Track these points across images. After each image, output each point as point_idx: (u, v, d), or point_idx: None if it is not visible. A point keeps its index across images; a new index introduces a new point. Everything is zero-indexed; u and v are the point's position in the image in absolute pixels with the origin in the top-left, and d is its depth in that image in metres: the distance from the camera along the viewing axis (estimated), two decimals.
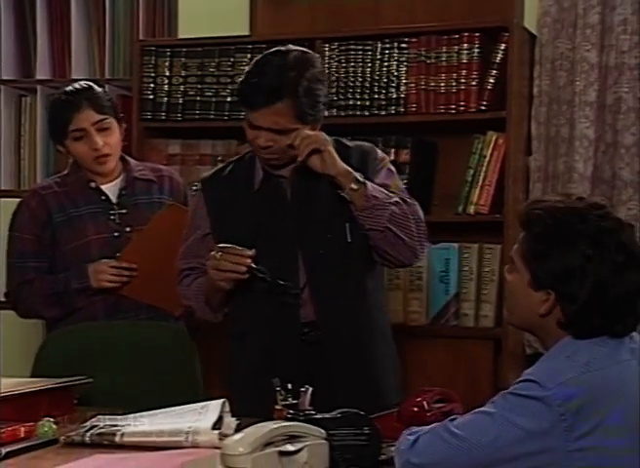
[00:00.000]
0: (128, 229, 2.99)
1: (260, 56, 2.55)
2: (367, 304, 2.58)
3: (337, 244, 2.52)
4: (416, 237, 2.52)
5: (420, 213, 2.57)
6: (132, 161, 3.11)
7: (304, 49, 2.58)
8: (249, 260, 2.43)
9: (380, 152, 2.65)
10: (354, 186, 2.46)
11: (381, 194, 2.49)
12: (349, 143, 2.62)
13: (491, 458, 1.74)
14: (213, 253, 2.45)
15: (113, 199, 3.02)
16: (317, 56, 2.60)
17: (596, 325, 1.81)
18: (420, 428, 1.86)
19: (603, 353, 1.80)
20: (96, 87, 3.03)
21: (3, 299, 3.37)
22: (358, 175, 2.48)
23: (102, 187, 3.02)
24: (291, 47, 2.54)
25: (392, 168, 2.65)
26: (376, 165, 2.59)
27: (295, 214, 2.55)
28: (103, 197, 3.01)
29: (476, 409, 1.82)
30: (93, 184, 3.02)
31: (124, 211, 3.00)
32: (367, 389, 2.52)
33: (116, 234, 2.98)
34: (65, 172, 3.12)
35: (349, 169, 2.48)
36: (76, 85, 3.05)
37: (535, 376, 1.76)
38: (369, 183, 2.48)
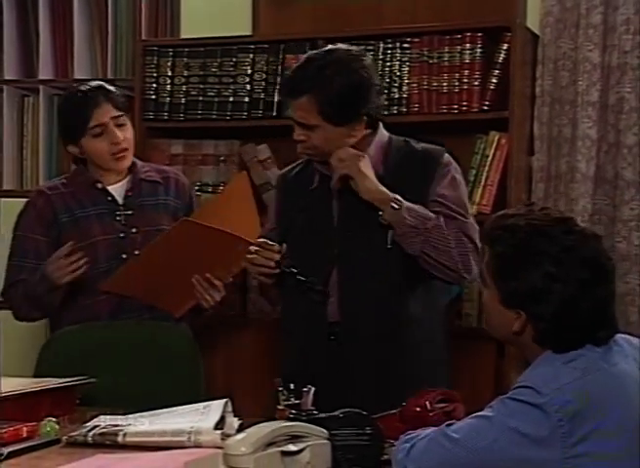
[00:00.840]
0: (134, 230, 2.99)
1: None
2: (401, 313, 2.54)
3: (375, 248, 2.51)
4: (458, 259, 2.49)
5: (471, 229, 2.53)
6: (138, 162, 3.11)
7: (356, 51, 2.56)
8: (277, 256, 2.47)
9: (447, 158, 2.60)
10: (395, 206, 2.45)
11: (417, 219, 2.46)
12: (417, 145, 2.61)
13: (488, 462, 1.74)
14: (250, 247, 2.51)
15: (119, 200, 3.02)
16: (367, 60, 2.55)
17: (571, 339, 1.80)
18: (417, 433, 1.85)
19: (596, 358, 1.79)
20: (109, 85, 3.05)
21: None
22: (397, 197, 2.45)
23: (109, 188, 3.03)
24: (341, 46, 2.55)
25: (458, 176, 2.59)
26: (439, 170, 2.56)
27: (338, 214, 2.56)
28: (110, 198, 3.02)
29: (474, 414, 1.81)
30: (99, 185, 3.02)
31: (130, 212, 3.01)
32: (379, 397, 2.47)
33: (122, 235, 2.98)
34: (70, 173, 3.12)
35: (386, 193, 2.46)
36: (91, 83, 3.07)
37: (531, 382, 1.75)
38: (405, 207, 2.45)
